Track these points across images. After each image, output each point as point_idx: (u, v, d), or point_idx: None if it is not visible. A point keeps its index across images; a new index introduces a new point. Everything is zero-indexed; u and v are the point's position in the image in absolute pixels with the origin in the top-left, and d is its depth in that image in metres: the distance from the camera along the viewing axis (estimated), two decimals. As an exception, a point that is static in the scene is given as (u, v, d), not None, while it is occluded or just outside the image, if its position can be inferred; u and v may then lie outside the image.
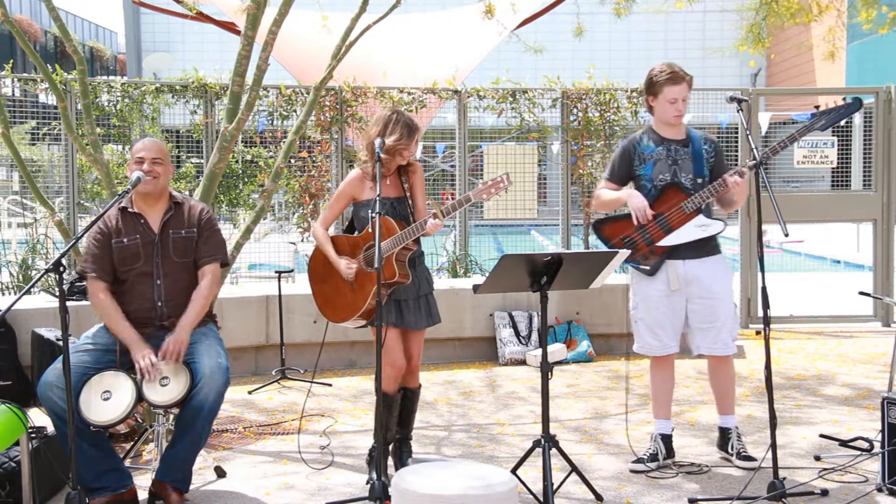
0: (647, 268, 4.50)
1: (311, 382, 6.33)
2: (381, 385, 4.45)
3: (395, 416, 4.51)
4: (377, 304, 4.02)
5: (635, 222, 4.48)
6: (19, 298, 3.75)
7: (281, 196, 9.40)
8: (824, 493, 4.15)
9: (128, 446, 4.78)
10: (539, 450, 4.06)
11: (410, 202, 4.45)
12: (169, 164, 4.30)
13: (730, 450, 4.65)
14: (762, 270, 4.03)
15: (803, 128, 4.27)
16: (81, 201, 8.45)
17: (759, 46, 9.98)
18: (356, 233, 4.50)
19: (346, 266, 4.38)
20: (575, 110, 9.08)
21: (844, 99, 4.31)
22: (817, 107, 4.37)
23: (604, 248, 4.40)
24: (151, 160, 4.19)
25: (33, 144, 10.34)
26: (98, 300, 4.16)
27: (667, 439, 4.64)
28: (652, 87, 4.53)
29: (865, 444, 4.73)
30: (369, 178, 4.41)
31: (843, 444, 4.83)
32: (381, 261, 3.97)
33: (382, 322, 4.01)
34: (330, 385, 6.55)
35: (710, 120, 10.12)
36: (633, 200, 4.48)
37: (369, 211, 4.32)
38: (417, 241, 4.40)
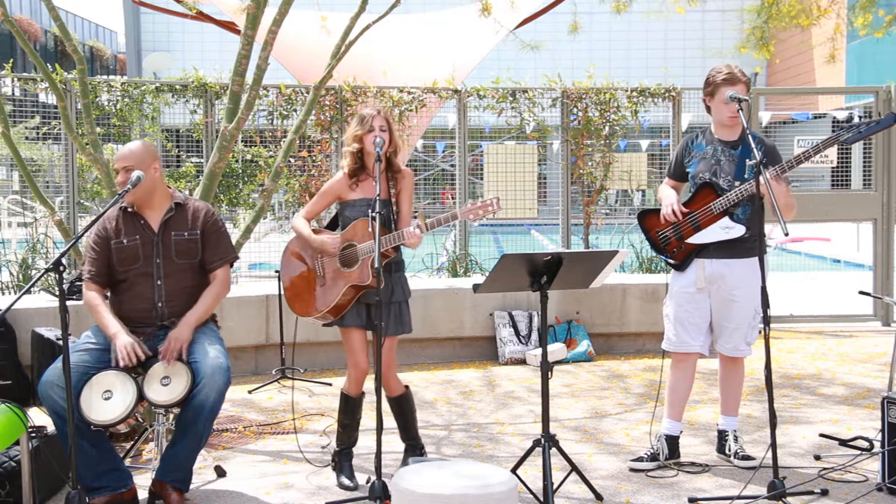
0: (674, 261, 4.58)
1: (295, 379, 6.33)
2: (344, 387, 4.47)
3: (359, 418, 4.51)
4: (377, 304, 4.02)
5: (662, 220, 4.55)
6: (19, 298, 3.75)
7: (281, 196, 9.40)
8: (824, 492, 4.15)
9: (128, 446, 4.78)
10: (539, 449, 4.06)
11: (395, 208, 4.43)
12: (150, 163, 4.19)
13: (727, 451, 4.66)
14: (762, 270, 4.03)
15: (831, 138, 4.25)
16: (81, 201, 8.46)
17: (762, 50, 9.98)
18: (338, 230, 4.48)
19: (331, 240, 4.34)
20: (575, 110, 9.08)
21: (879, 114, 4.25)
22: (856, 118, 4.33)
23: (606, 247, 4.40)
24: (123, 169, 4.16)
25: (33, 140, 10.33)
26: (87, 299, 4.18)
27: (672, 441, 4.63)
28: (709, 87, 4.49)
29: (865, 444, 4.73)
30: (352, 179, 4.42)
31: (843, 443, 4.83)
32: (380, 261, 3.97)
33: (377, 322, 4.01)
34: (330, 385, 6.55)
35: (710, 119, 10.12)
36: (665, 199, 4.58)
37: (357, 213, 4.33)
38: (397, 249, 4.36)
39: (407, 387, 4.59)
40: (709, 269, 4.48)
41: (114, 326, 4.07)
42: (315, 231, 4.50)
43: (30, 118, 9.29)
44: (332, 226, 4.59)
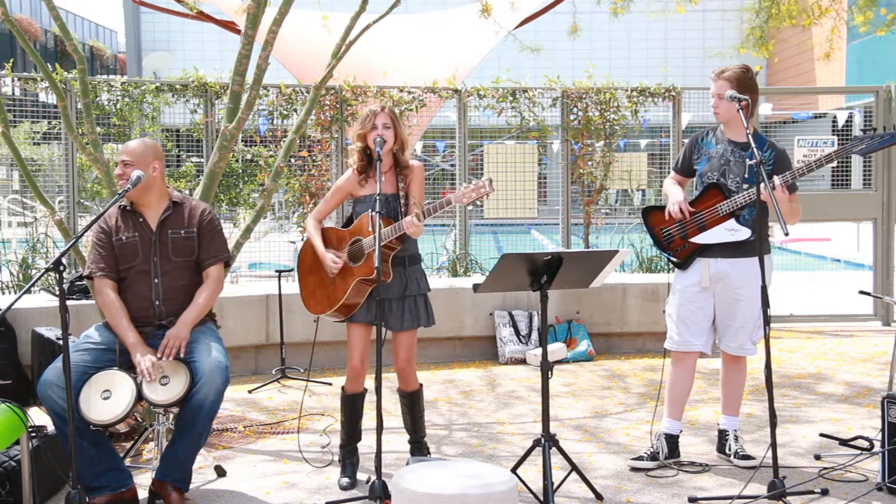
0: (676, 259, 4.58)
1: (296, 379, 6.34)
2: (344, 385, 4.47)
3: (358, 416, 4.50)
4: (377, 303, 4.02)
5: (666, 216, 4.55)
6: (19, 297, 3.75)
7: (281, 195, 9.40)
8: (824, 492, 4.15)
9: (128, 445, 4.78)
10: (539, 449, 4.07)
11: (403, 201, 4.42)
12: (150, 162, 4.20)
13: (727, 451, 4.66)
14: (762, 269, 4.03)
15: (842, 149, 4.24)
16: (82, 200, 8.45)
17: (762, 49, 9.97)
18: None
19: (331, 260, 4.35)
20: (575, 109, 9.08)
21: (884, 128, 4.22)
22: (865, 130, 4.30)
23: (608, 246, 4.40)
24: (122, 163, 4.17)
25: (36, 144, 10.32)
26: (105, 298, 4.15)
27: (672, 440, 4.63)
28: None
29: (865, 444, 4.73)
30: (361, 175, 4.42)
31: (843, 443, 4.83)
32: (381, 260, 3.97)
33: (377, 321, 4.01)
34: (330, 384, 6.55)
35: (710, 119, 10.13)
36: (672, 196, 4.57)
37: (366, 208, 4.33)
38: (402, 241, 4.33)
39: (421, 384, 4.61)
40: (714, 268, 4.48)
41: (132, 336, 4.06)
42: (329, 231, 4.50)
43: (33, 121, 9.28)
44: (348, 224, 4.58)
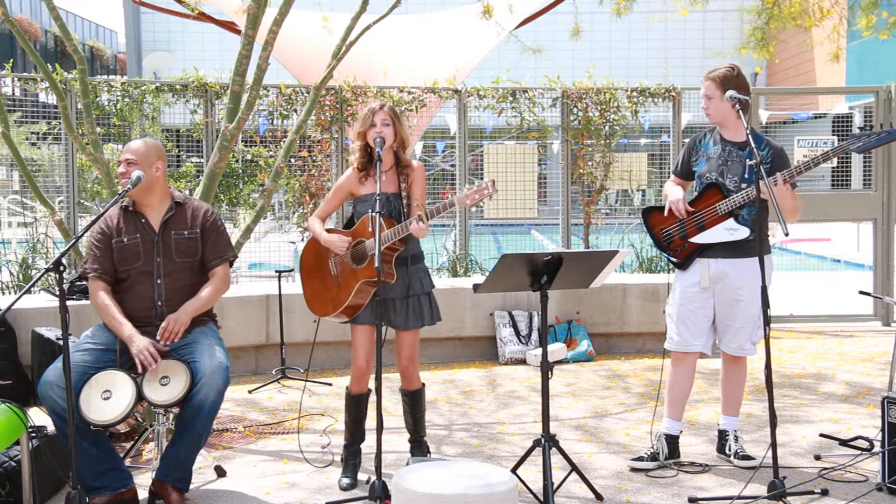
0: (676, 259, 4.58)
1: (296, 379, 6.34)
2: (348, 383, 4.46)
3: (362, 416, 4.49)
4: (378, 304, 4.02)
5: (665, 213, 4.55)
6: (19, 298, 3.75)
7: (281, 195, 9.40)
8: (824, 492, 4.15)
9: (128, 445, 4.78)
10: (539, 449, 4.07)
11: (406, 201, 4.42)
12: (153, 162, 4.20)
13: (727, 451, 4.66)
14: (762, 269, 4.03)
15: (839, 147, 4.25)
16: (82, 200, 8.45)
17: (763, 51, 9.98)
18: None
19: (339, 239, 4.35)
20: (575, 110, 9.08)
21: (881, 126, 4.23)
22: (862, 127, 4.32)
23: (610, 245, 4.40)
24: (125, 161, 4.17)
25: (33, 144, 10.32)
26: (97, 299, 4.16)
27: (672, 440, 4.63)
28: None
29: (865, 444, 4.73)
30: (362, 173, 4.42)
31: (844, 443, 4.83)
32: (380, 259, 3.97)
33: (377, 322, 4.01)
34: (330, 384, 6.55)
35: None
36: (672, 195, 4.57)
37: (367, 207, 4.33)
38: (404, 242, 4.32)
39: (423, 384, 4.61)
40: (713, 268, 4.48)
41: (128, 329, 4.05)
42: (331, 232, 4.49)
43: (32, 122, 9.28)
44: (349, 225, 4.58)
